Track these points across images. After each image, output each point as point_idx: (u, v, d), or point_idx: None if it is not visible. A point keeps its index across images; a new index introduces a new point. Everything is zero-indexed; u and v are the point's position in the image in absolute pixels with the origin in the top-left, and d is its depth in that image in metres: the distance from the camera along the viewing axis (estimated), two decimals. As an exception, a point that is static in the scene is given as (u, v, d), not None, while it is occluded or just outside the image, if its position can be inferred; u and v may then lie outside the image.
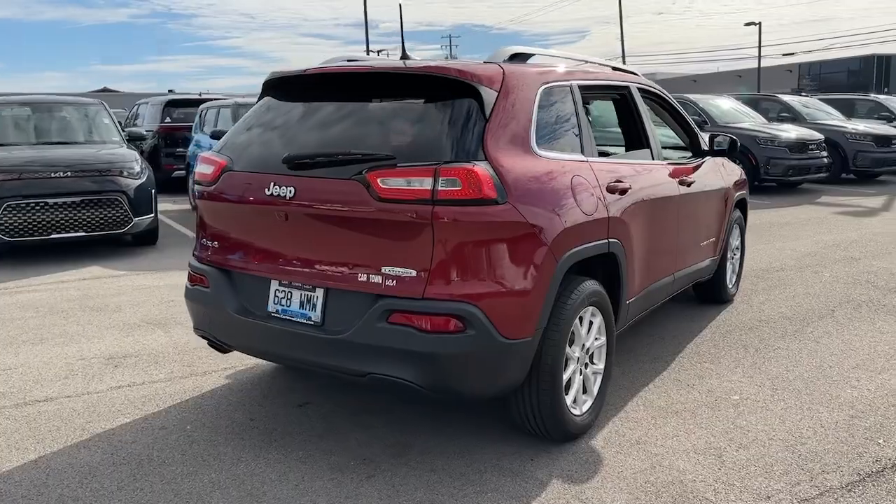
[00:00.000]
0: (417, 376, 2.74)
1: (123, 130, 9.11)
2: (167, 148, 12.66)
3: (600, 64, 4.11)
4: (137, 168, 7.77)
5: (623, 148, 4.26)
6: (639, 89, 4.22)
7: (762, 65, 49.88)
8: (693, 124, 4.96)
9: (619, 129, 4.32)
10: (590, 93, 3.68)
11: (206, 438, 3.34)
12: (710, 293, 5.45)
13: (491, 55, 3.24)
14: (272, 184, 2.96)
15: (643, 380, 4.03)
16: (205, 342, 3.50)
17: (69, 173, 7.28)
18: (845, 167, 13.85)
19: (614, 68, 4.25)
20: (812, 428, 3.41)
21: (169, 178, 12.49)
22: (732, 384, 3.97)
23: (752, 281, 6.27)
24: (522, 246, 2.81)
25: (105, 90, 57.15)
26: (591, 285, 3.22)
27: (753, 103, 15.33)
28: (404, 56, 3.46)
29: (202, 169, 3.31)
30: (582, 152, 3.38)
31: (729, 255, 5.48)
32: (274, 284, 3.10)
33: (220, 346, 3.42)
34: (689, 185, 4.39)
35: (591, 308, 3.27)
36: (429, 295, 2.71)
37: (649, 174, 3.92)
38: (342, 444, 3.27)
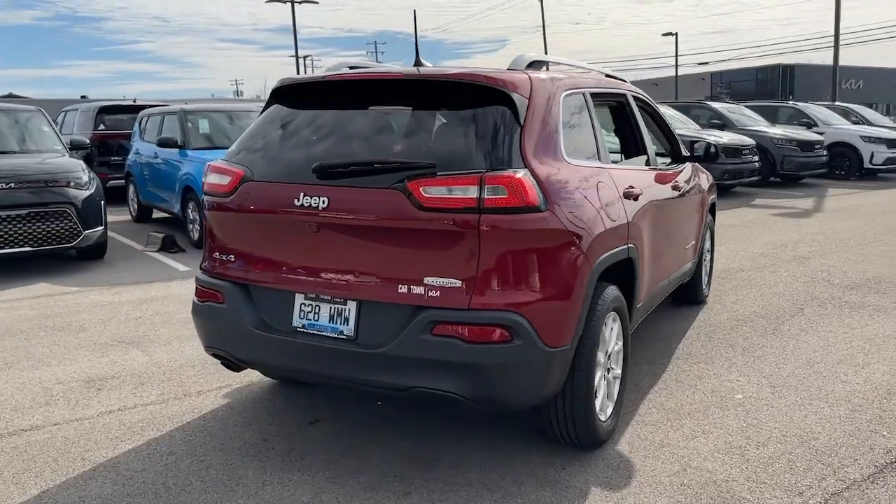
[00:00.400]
0: (463, 388, 2.68)
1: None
2: (101, 157, 12.06)
3: (597, 71, 4.15)
4: (85, 178, 7.37)
5: (620, 154, 4.31)
6: (632, 96, 4.29)
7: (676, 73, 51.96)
8: (674, 130, 5.07)
9: (615, 135, 4.37)
10: (598, 100, 3.72)
11: (222, 462, 3.17)
12: (688, 295, 5.59)
13: (511, 62, 3.22)
14: (302, 194, 2.84)
15: (647, 382, 4.08)
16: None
17: (12, 185, 6.82)
18: (773, 171, 14.53)
19: (607, 75, 4.31)
20: (819, 423, 3.53)
21: (104, 188, 11.89)
22: (732, 383, 4.07)
23: (719, 282, 6.47)
24: (563, 253, 2.80)
25: (11, 96, 53.92)
26: (613, 291, 3.24)
27: (685, 110, 15.89)
28: (418, 63, 3.39)
29: (215, 179, 3.15)
30: (599, 159, 3.40)
31: (703, 257, 5.64)
32: (299, 298, 2.97)
33: (235, 365, 3.26)
34: (679, 189, 4.50)
35: (612, 314, 3.29)
36: (474, 305, 2.66)
37: (651, 180, 3.99)
38: (366, 462, 3.17)
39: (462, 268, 2.66)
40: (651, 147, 4.28)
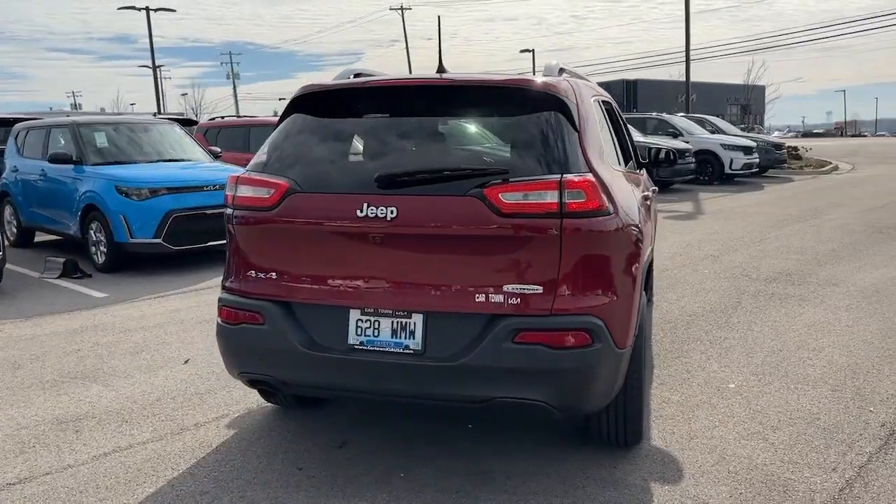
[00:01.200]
0: (547, 395, 2.66)
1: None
2: (-36, 175, 10.76)
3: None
4: (-22, 199, 6.56)
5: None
6: (614, 105, 4.46)
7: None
8: (632, 137, 5.31)
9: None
10: (603, 107, 3.83)
11: (266, 497, 2.93)
12: (641, 294, 5.86)
13: (545, 69, 3.23)
14: (365, 205, 2.69)
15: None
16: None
17: None
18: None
19: (585, 84, 4.44)
20: (814, 405, 3.82)
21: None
22: (719, 374, 4.30)
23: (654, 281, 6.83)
24: (628, 254, 2.85)
25: None
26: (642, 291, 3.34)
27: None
28: (441, 70, 3.33)
29: (250, 192, 2.91)
30: (619, 163, 3.50)
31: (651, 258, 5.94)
32: (354, 314, 2.82)
33: (274, 391, 3.03)
34: (652, 192, 4.72)
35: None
36: (556, 310, 2.65)
37: (642, 184, 4.16)
38: (418, 481, 3.05)
39: (542, 273, 2.64)
40: (633, 153, 4.46)
